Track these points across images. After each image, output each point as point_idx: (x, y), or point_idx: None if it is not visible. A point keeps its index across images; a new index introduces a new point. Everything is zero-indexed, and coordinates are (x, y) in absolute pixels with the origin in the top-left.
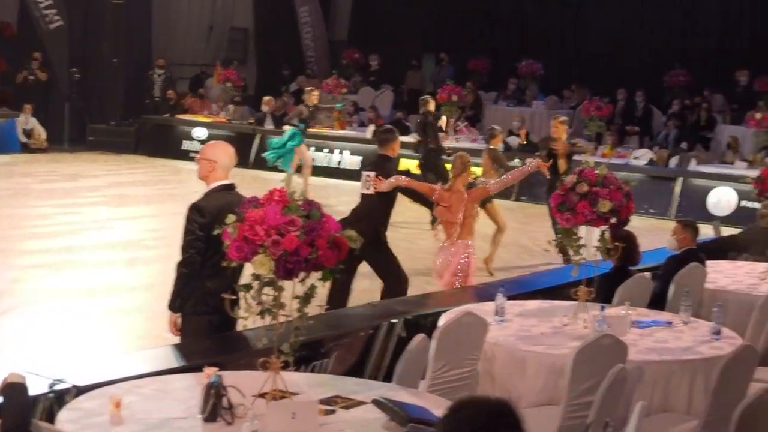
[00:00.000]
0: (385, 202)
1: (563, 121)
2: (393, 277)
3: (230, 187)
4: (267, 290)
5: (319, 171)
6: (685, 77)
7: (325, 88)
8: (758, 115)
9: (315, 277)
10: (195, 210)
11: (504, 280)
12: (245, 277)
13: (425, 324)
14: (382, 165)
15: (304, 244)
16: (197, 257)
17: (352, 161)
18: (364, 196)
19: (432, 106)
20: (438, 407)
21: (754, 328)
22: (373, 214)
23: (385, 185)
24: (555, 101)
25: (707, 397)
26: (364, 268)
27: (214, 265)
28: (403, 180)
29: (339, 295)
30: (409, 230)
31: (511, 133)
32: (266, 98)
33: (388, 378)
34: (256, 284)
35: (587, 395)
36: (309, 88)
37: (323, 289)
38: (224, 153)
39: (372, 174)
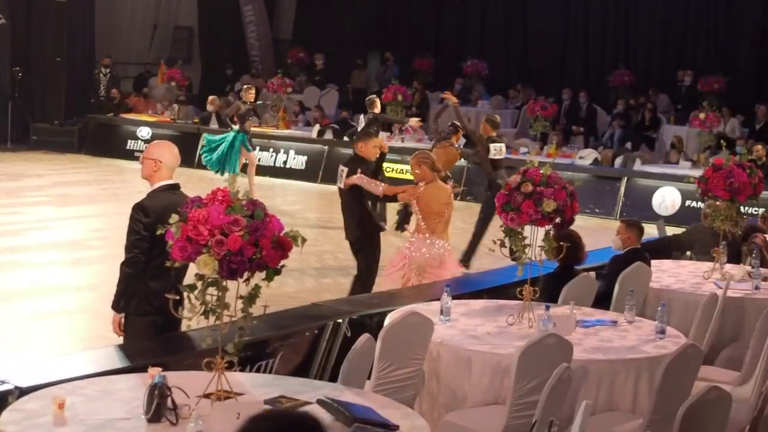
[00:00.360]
0: (359, 194)
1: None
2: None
3: (175, 187)
4: (211, 290)
5: (265, 171)
6: (629, 77)
7: (270, 87)
8: (702, 115)
9: (259, 277)
10: (139, 210)
11: (449, 279)
12: (189, 278)
13: (371, 324)
14: (355, 162)
15: (248, 244)
16: (141, 257)
17: (297, 161)
18: (340, 191)
19: (378, 107)
20: (383, 407)
21: (698, 327)
22: (353, 206)
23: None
24: (500, 101)
25: (652, 395)
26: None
27: (158, 266)
28: (356, 178)
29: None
30: None
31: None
32: (211, 98)
33: (333, 378)
34: (200, 284)
35: (532, 394)
36: (246, 86)
37: (267, 290)
38: (168, 153)
39: (346, 169)
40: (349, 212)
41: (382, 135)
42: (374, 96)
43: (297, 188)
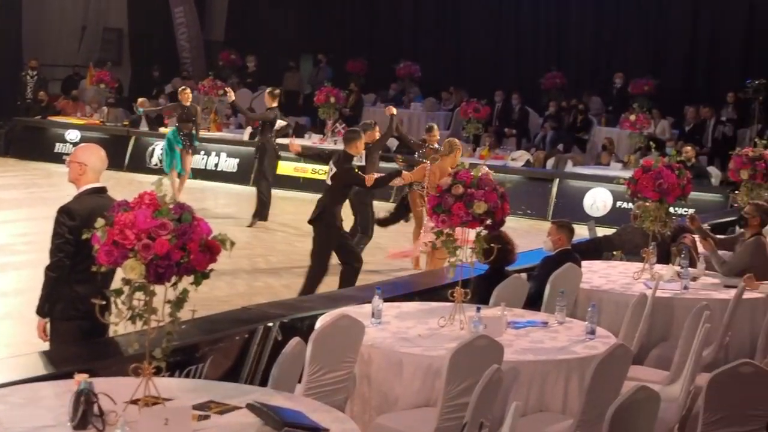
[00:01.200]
0: (342, 190)
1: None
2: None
3: (101, 191)
4: (138, 295)
5: (196, 174)
6: (561, 79)
7: (201, 89)
8: (632, 117)
9: (187, 281)
10: (64, 213)
11: (381, 282)
12: (116, 282)
13: (302, 327)
14: (343, 160)
15: (175, 247)
16: (66, 261)
17: (229, 164)
18: (325, 184)
19: (273, 100)
20: (314, 411)
21: (628, 328)
22: (325, 198)
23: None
24: (433, 103)
25: (582, 396)
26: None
27: (84, 270)
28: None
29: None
30: (286, 233)
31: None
32: (141, 100)
33: (264, 382)
34: (126, 289)
35: (463, 396)
36: (182, 87)
37: (197, 294)
38: (95, 156)
39: (335, 169)
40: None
41: (315, 137)
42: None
43: (229, 191)
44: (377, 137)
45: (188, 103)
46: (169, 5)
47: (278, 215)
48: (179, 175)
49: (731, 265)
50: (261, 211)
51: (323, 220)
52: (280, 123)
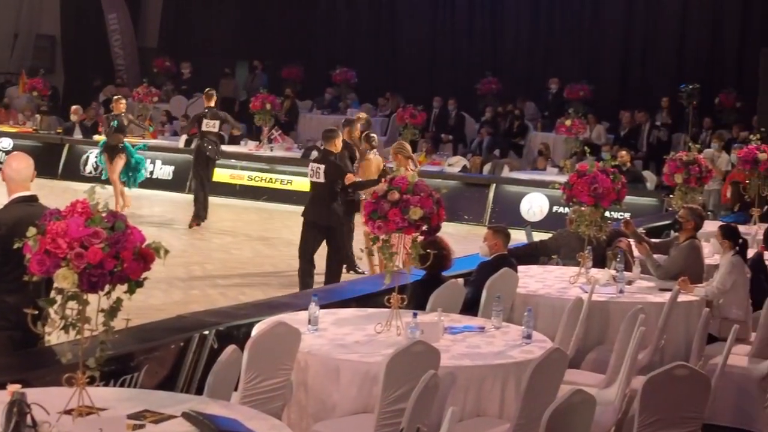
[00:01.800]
0: (330, 186)
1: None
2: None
3: (31, 199)
4: (71, 304)
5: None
6: (496, 85)
7: (136, 96)
8: (568, 122)
9: (121, 290)
10: None
11: (318, 289)
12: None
13: (238, 335)
14: (326, 158)
15: (108, 256)
16: None
17: (164, 171)
18: (313, 183)
19: (213, 101)
20: (250, 418)
21: (564, 332)
22: (324, 196)
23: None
24: (370, 109)
25: (518, 400)
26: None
27: (14, 279)
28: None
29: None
30: (223, 240)
31: None
32: (74, 107)
33: (200, 391)
34: (59, 298)
35: (400, 402)
36: (116, 97)
37: (133, 302)
38: (24, 164)
39: (323, 166)
40: (320, 203)
41: (251, 144)
42: (211, 90)
43: (164, 199)
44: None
45: (121, 112)
46: (102, 12)
47: (215, 222)
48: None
49: (666, 269)
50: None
51: (336, 217)
52: (206, 122)
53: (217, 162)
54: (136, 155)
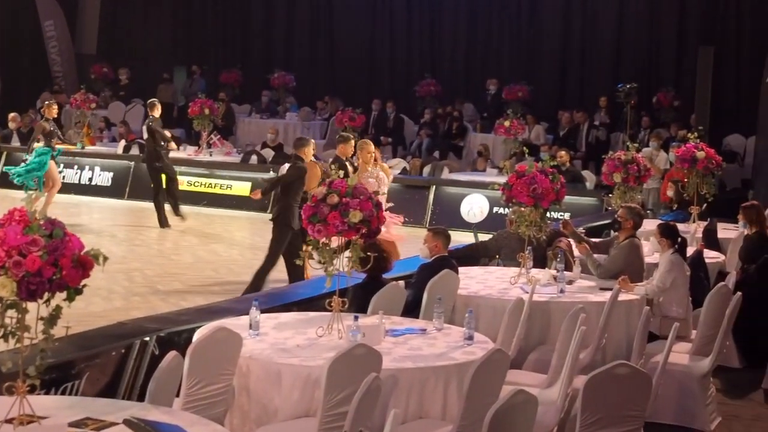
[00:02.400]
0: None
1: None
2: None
3: None
4: (10, 312)
5: (70, 188)
6: (435, 87)
7: (74, 103)
8: (507, 123)
9: (60, 297)
10: None
11: (258, 293)
12: None
13: (179, 341)
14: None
15: (47, 264)
16: None
17: (103, 178)
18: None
19: (157, 111)
20: (192, 424)
21: (505, 332)
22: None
23: None
24: (308, 112)
25: (461, 401)
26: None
27: None
28: None
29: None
30: (163, 246)
31: (265, 145)
32: (12, 115)
33: (142, 397)
34: None
35: (343, 405)
36: (48, 102)
37: (73, 310)
38: None
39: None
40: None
41: (190, 149)
42: (155, 99)
43: (103, 205)
44: (350, 151)
45: (53, 117)
46: (39, 19)
47: (155, 228)
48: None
49: (607, 268)
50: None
51: (281, 220)
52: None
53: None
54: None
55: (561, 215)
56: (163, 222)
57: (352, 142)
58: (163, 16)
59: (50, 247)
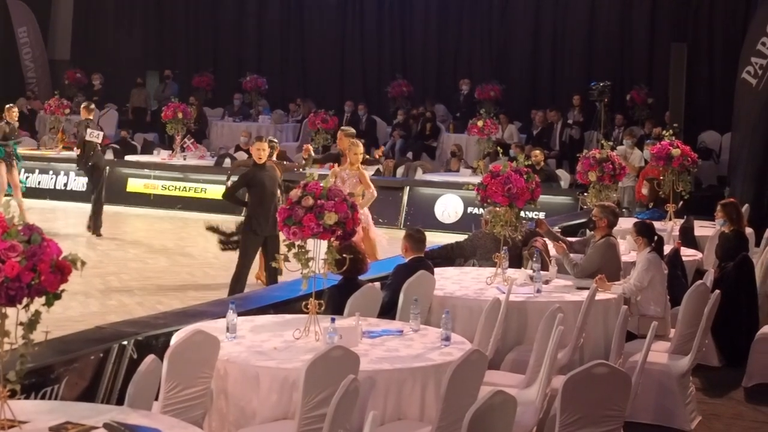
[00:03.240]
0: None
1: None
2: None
3: None
4: None
5: (45, 193)
6: (407, 87)
7: (48, 109)
8: (480, 123)
9: (39, 302)
10: None
11: (235, 296)
12: None
13: (157, 345)
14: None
15: (25, 269)
16: None
17: (78, 183)
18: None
19: (88, 114)
20: (171, 428)
21: (482, 332)
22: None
23: None
24: (281, 115)
25: (439, 402)
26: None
27: None
28: None
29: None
30: (139, 250)
31: (238, 148)
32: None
33: (121, 401)
34: None
35: (321, 407)
36: (9, 105)
37: (50, 315)
38: None
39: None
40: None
41: (164, 153)
42: (86, 103)
43: (79, 210)
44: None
45: (15, 122)
46: (12, 25)
47: (130, 233)
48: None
49: (583, 268)
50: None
51: (245, 224)
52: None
53: (130, 172)
54: None
55: (536, 215)
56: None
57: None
58: (134, 21)
59: (29, 252)
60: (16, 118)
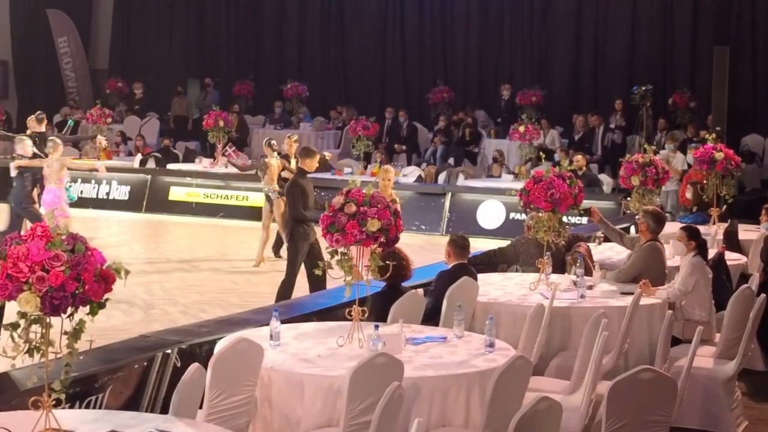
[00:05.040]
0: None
1: (295, 140)
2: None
3: None
4: (34, 328)
5: (87, 203)
6: (448, 93)
7: (90, 118)
8: (522, 128)
9: (83, 311)
10: None
11: (278, 304)
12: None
13: (200, 353)
14: (298, 174)
15: (70, 279)
16: None
17: (120, 191)
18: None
19: (42, 126)
20: None
21: (526, 339)
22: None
23: None
24: (322, 122)
25: (484, 409)
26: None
27: None
28: None
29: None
30: (181, 258)
31: (280, 155)
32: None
33: (165, 410)
34: (22, 322)
35: (365, 415)
36: (33, 116)
37: (94, 324)
38: None
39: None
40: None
41: (206, 161)
42: (39, 113)
43: (121, 219)
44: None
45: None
46: (52, 36)
47: (172, 241)
48: None
49: (626, 271)
50: None
51: (291, 234)
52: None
53: (172, 180)
54: None
55: (578, 220)
56: None
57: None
58: (175, 29)
59: (73, 261)
60: (43, 129)
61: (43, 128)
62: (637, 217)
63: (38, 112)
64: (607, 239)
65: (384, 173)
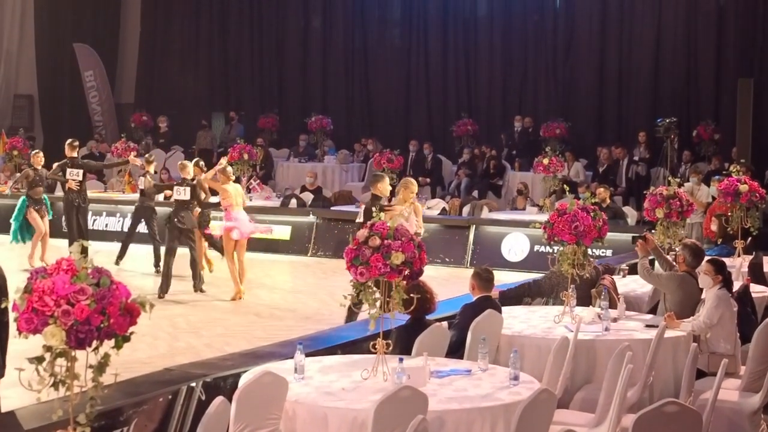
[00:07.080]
0: None
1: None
2: None
3: None
4: (60, 361)
5: (113, 236)
6: (472, 126)
7: (115, 151)
8: (546, 161)
9: (108, 345)
10: None
11: (303, 337)
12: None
13: (225, 386)
14: (371, 202)
15: (95, 312)
16: None
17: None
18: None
19: (75, 152)
20: None
21: (551, 372)
22: None
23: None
24: (346, 155)
25: None
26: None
27: None
28: None
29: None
30: (206, 290)
31: (304, 189)
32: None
33: None
34: (48, 356)
35: None
36: (34, 151)
37: (119, 357)
38: None
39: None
40: None
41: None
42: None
43: (146, 252)
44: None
45: (39, 167)
46: (78, 70)
47: None
48: (23, 240)
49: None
50: None
51: None
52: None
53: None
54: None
55: (602, 252)
56: None
57: (387, 179)
58: (199, 63)
59: (98, 295)
60: (41, 164)
61: (75, 154)
62: (676, 249)
63: (71, 139)
64: (633, 271)
65: (406, 184)
